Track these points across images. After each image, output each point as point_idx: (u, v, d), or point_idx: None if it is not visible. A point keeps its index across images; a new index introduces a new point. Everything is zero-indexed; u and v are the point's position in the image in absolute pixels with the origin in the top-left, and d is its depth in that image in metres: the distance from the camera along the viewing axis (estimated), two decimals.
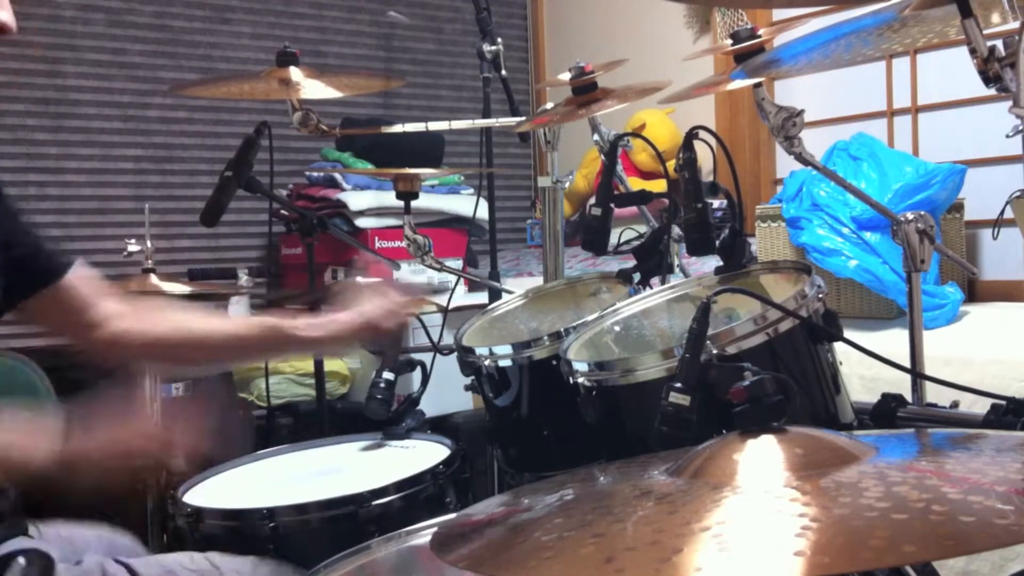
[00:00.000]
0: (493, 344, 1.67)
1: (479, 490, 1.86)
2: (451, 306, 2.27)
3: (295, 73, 2.01)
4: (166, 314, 1.56)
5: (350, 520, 1.57)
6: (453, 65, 4.30)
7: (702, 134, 1.56)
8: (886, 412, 1.37)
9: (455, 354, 1.75)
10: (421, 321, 2.17)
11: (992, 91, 1.07)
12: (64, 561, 1.30)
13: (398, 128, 2.29)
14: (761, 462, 0.77)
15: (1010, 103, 1.06)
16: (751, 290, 1.29)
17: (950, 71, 2.98)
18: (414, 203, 2.11)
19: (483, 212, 2.88)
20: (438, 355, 2.05)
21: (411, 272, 3.27)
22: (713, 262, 1.56)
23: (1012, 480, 0.69)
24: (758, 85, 1.53)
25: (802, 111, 1.49)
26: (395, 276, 1.66)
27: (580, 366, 1.34)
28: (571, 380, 1.36)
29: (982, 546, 0.60)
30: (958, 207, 2.81)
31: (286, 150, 3.62)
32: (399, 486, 1.64)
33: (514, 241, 4.31)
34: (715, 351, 1.16)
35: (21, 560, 1.24)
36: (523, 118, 2.33)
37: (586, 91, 1.88)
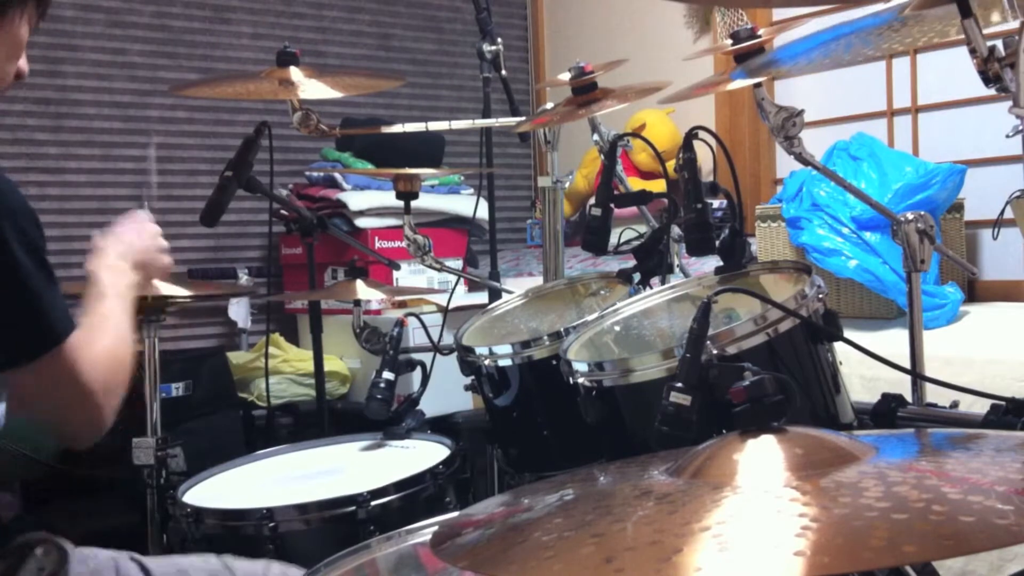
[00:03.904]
0: (493, 344, 1.68)
1: (479, 490, 1.86)
2: (451, 306, 2.27)
3: (295, 73, 2.01)
4: None
5: (350, 520, 1.57)
6: (453, 65, 4.30)
7: (702, 134, 1.56)
8: (886, 412, 1.37)
9: (455, 354, 1.75)
10: (421, 321, 2.17)
11: (992, 91, 1.07)
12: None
13: (398, 128, 2.29)
14: (761, 462, 0.77)
15: (1010, 103, 1.06)
16: (751, 290, 1.29)
17: (950, 71, 2.98)
18: (414, 203, 2.11)
19: (483, 212, 2.88)
20: (438, 355, 2.05)
21: (411, 272, 3.28)
22: (713, 262, 1.56)
23: (1012, 480, 0.69)
24: (758, 85, 1.53)
25: (802, 111, 1.49)
26: None
27: (580, 366, 1.34)
28: (571, 380, 1.35)
29: (982, 546, 0.60)
30: (958, 207, 2.81)
31: (286, 150, 3.63)
32: (399, 486, 1.64)
33: (514, 241, 4.31)
34: (715, 351, 1.16)
35: (39, 551, 1.25)
36: (523, 118, 2.33)
37: (586, 91, 1.88)
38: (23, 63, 1.29)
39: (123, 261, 1.41)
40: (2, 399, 1.32)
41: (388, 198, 3.30)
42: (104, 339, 1.29)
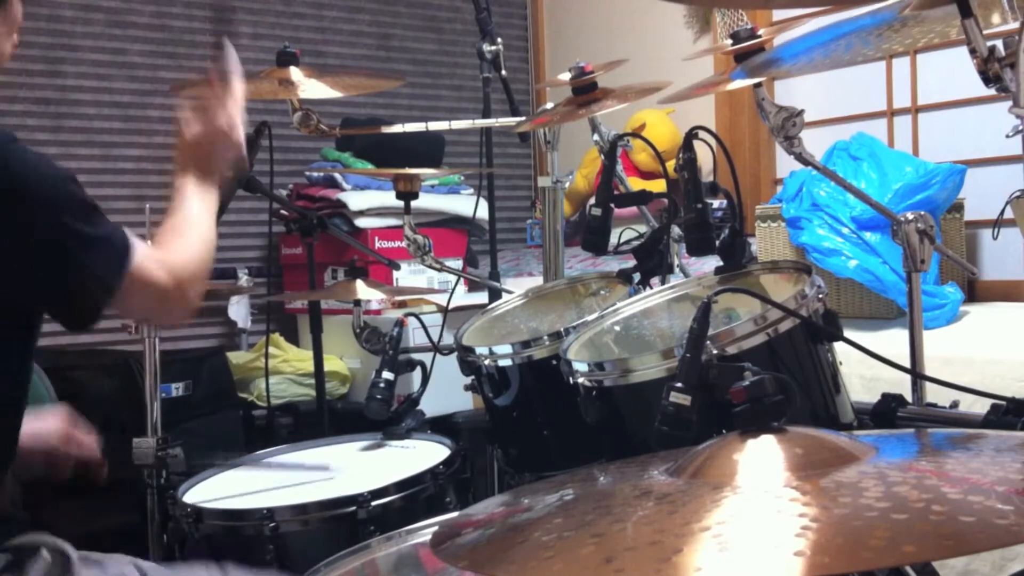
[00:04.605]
0: (493, 344, 1.67)
1: (479, 490, 1.86)
2: (451, 306, 2.27)
3: (295, 73, 2.01)
4: None
5: (350, 520, 1.57)
6: (453, 65, 4.30)
7: (702, 134, 1.56)
8: (886, 412, 1.37)
9: (455, 354, 1.75)
10: (421, 321, 2.17)
11: (992, 91, 1.07)
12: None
13: (398, 128, 2.29)
14: (761, 462, 0.77)
15: (1010, 103, 1.06)
16: (751, 290, 1.29)
17: (950, 71, 2.98)
18: (414, 203, 2.11)
19: (483, 212, 2.88)
20: (438, 355, 2.05)
21: (411, 272, 3.28)
22: (713, 262, 1.56)
23: (1012, 480, 0.69)
24: (758, 85, 1.53)
25: (802, 111, 1.49)
26: None
27: (580, 366, 1.34)
28: (571, 380, 1.35)
29: (982, 546, 0.60)
30: (958, 207, 2.81)
31: (286, 150, 3.62)
32: (399, 486, 1.64)
33: (514, 241, 4.31)
34: (715, 351, 1.16)
35: (46, 553, 1.25)
36: (523, 118, 2.33)
37: (586, 91, 1.88)
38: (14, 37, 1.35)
39: (211, 152, 1.45)
40: None
41: (388, 198, 3.30)
42: (179, 243, 1.35)
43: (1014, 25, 1.10)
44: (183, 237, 1.37)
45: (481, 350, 1.67)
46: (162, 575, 1.37)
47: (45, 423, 1.49)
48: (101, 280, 1.24)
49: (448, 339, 2.00)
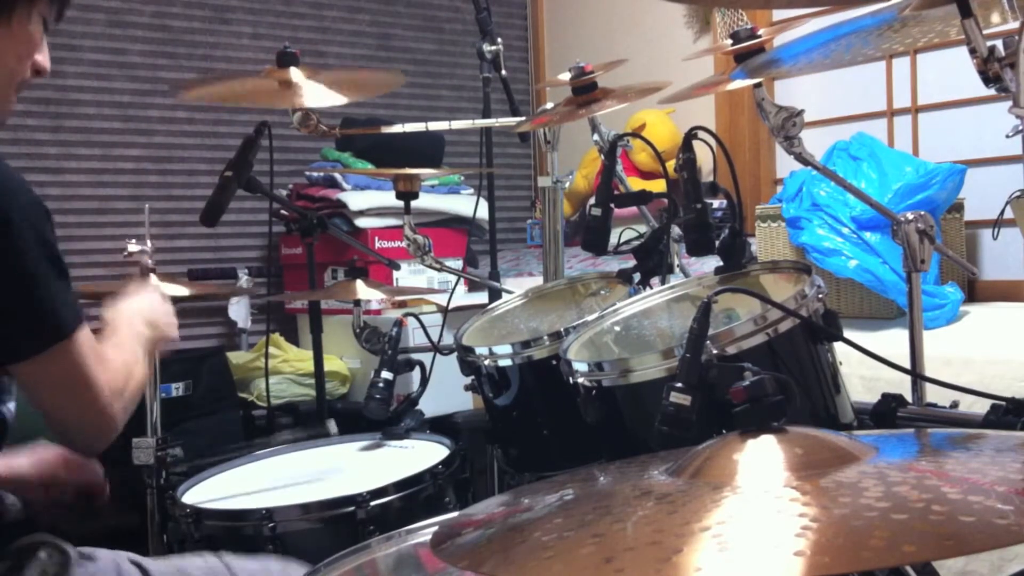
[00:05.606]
0: (493, 344, 1.67)
1: (479, 490, 1.86)
2: (451, 306, 2.27)
3: (295, 73, 2.01)
4: None
5: (350, 520, 1.57)
6: (453, 65, 4.30)
7: (701, 134, 1.56)
8: (886, 412, 1.37)
9: (455, 354, 1.75)
10: (421, 321, 2.17)
11: (992, 91, 1.07)
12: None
13: (398, 128, 2.28)
14: (761, 462, 0.76)
15: (1010, 103, 1.06)
16: (751, 290, 1.29)
17: (950, 71, 2.98)
18: (414, 203, 2.11)
19: (483, 212, 2.89)
20: (438, 355, 2.05)
21: (411, 272, 3.28)
22: (713, 262, 1.56)
23: (1012, 480, 0.69)
24: (758, 85, 1.53)
25: (802, 111, 1.49)
26: None
27: (580, 366, 1.34)
28: (571, 380, 1.35)
29: (982, 546, 0.60)
30: (958, 207, 2.81)
31: (286, 150, 3.62)
32: (399, 486, 1.65)
33: (514, 241, 4.31)
34: (715, 351, 1.16)
35: (42, 553, 1.25)
36: (523, 118, 2.33)
37: (586, 91, 1.88)
38: (42, 58, 1.26)
39: (138, 317, 1.44)
40: (12, 398, 1.32)
41: (388, 198, 3.30)
42: (117, 350, 1.31)
43: (1014, 25, 1.10)
44: (119, 348, 1.33)
45: (481, 350, 1.67)
46: (159, 567, 1.37)
47: (44, 452, 1.45)
48: (58, 320, 1.17)
49: (448, 339, 2.00)
